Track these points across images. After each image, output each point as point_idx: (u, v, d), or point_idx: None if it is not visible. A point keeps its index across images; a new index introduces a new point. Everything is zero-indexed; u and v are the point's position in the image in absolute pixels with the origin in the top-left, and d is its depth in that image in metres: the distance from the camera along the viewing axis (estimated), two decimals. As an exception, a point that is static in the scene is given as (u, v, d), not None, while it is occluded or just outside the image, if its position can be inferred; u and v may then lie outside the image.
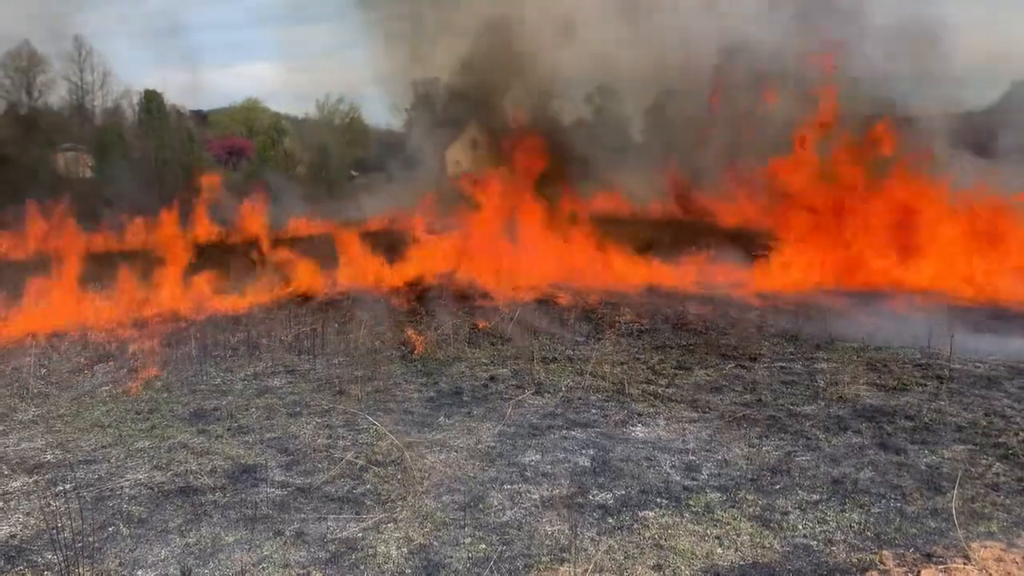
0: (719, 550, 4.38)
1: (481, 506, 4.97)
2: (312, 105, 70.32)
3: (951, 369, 7.89)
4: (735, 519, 4.75)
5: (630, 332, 10.04)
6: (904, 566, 4.20)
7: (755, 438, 6.15)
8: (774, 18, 17.39)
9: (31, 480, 5.55)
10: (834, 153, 14.38)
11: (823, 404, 6.97)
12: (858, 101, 14.85)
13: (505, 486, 5.26)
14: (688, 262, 13.88)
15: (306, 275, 12.99)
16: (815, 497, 5.05)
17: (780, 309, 11.03)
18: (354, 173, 44.98)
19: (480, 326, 10.14)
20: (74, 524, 4.55)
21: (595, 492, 5.17)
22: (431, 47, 20.91)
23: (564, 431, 6.37)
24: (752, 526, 4.66)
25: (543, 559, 4.30)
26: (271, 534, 4.63)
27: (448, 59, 20.79)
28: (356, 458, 5.79)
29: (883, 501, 4.98)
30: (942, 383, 7.49)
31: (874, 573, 4.13)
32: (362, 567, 4.25)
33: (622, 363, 8.50)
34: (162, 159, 38.20)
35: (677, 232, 14.76)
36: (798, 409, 6.85)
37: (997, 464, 5.53)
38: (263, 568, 4.25)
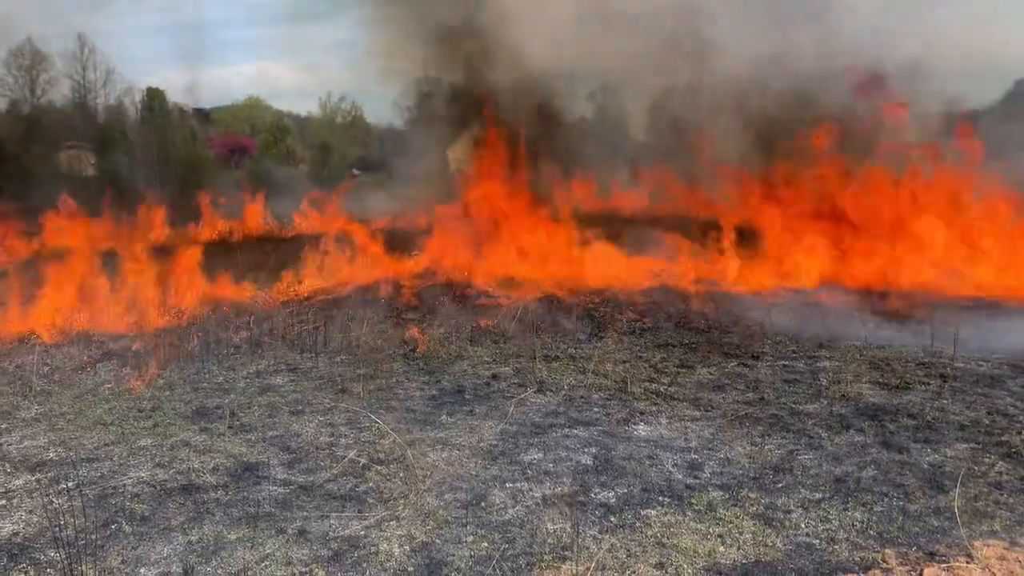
0: (721, 548, 4.38)
1: (483, 504, 4.97)
2: (315, 103, 70.39)
3: (954, 368, 7.89)
4: (737, 517, 4.75)
5: (632, 330, 10.04)
6: (907, 564, 4.19)
7: (758, 436, 6.15)
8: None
9: (34, 478, 5.56)
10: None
11: (826, 403, 6.96)
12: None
13: (507, 484, 5.27)
14: (698, 258, 13.79)
15: (309, 272, 12.98)
16: (818, 495, 5.05)
17: (784, 307, 11.01)
18: (355, 172, 44.94)
19: (482, 324, 10.14)
20: (76, 522, 4.55)
21: (597, 490, 5.17)
22: (431, 47, 20.85)
23: (566, 429, 6.37)
24: (754, 524, 4.66)
25: (545, 557, 4.30)
26: (273, 532, 4.64)
27: (448, 58, 20.76)
28: (358, 456, 5.80)
29: (886, 500, 4.97)
30: (945, 381, 7.48)
31: (877, 572, 4.13)
32: (364, 565, 4.26)
33: (624, 361, 8.50)
34: (165, 157, 38.20)
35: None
36: (801, 408, 6.85)
37: (1000, 463, 5.52)
38: (265, 566, 4.25)
